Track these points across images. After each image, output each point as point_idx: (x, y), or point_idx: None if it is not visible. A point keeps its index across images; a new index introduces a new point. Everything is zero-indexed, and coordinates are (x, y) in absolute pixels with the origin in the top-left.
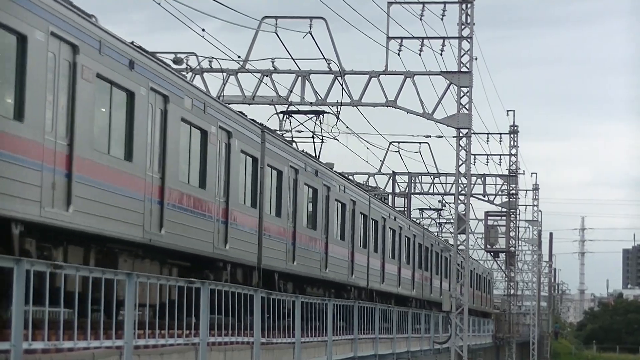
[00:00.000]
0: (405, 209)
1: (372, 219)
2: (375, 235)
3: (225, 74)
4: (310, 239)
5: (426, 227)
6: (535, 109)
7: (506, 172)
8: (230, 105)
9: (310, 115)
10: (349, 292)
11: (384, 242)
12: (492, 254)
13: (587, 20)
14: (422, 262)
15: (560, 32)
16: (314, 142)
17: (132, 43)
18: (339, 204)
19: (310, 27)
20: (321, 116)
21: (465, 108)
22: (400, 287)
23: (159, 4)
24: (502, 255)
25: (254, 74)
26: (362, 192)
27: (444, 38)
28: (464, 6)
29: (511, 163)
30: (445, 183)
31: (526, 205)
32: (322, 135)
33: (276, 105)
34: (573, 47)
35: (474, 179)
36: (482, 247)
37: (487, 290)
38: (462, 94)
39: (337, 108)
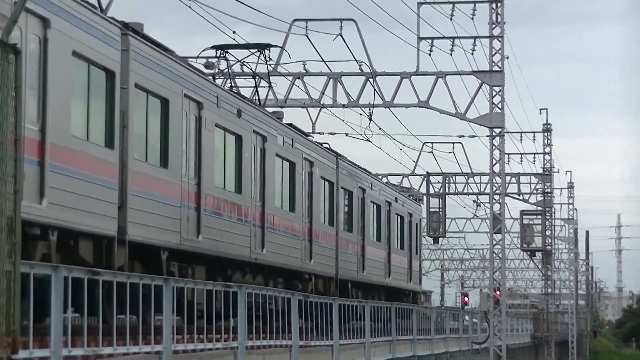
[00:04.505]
0: (440, 209)
1: (287, 160)
2: (292, 186)
3: (257, 78)
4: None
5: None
6: (570, 106)
7: (540, 171)
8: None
9: (252, 50)
10: (254, 274)
11: (311, 197)
12: (528, 253)
13: (624, 17)
14: (381, 231)
15: (597, 29)
16: (256, 85)
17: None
18: (232, 135)
19: (341, 29)
20: (266, 50)
21: (498, 107)
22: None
23: (189, 7)
24: (538, 254)
25: (286, 77)
26: (288, 129)
27: (474, 37)
28: (494, 5)
29: (545, 161)
30: (480, 183)
31: (561, 204)
32: (269, 79)
33: (308, 108)
34: (609, 44)
35: (508, 178)
36: (518, 246)
37: (410, 247)
38: (494, 93)
39: (370, 110)
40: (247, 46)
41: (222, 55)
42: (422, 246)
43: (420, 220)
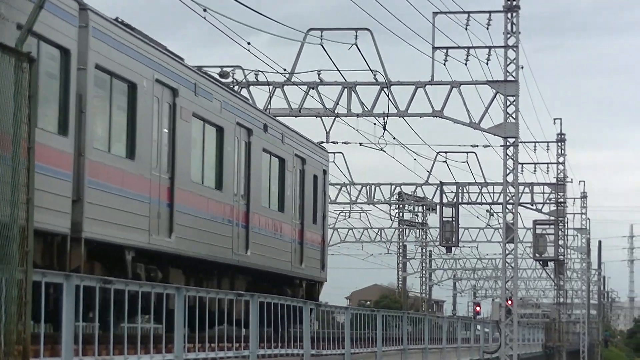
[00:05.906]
0: (453, 219)
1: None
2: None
3: (271, 87)
4: None
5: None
6: (585, 117)
7: (554, 181)
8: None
9: None
10: None
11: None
12: (540, 262)
13: None
14: (225, 175)
15: (613, 41)
16: None
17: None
18: None
19: (356, 39)
20: None
21: (512, 117)
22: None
23: (204, 18)
24: (550, 264)
25: (300, 86)
26: None
27: (489, 47)
28: (509, 15)
29: (559, 171)
30: (493, 192)
31: (574, 214)
32: None
33: (322, 117)
34: (625, 56)
35: (521, 187)
36: (531, 255)
37: (302, 212)
38: (508, 102)
39: (384, 119)
40: None
41: None
42: (327, 213)
43: (325, 172)
